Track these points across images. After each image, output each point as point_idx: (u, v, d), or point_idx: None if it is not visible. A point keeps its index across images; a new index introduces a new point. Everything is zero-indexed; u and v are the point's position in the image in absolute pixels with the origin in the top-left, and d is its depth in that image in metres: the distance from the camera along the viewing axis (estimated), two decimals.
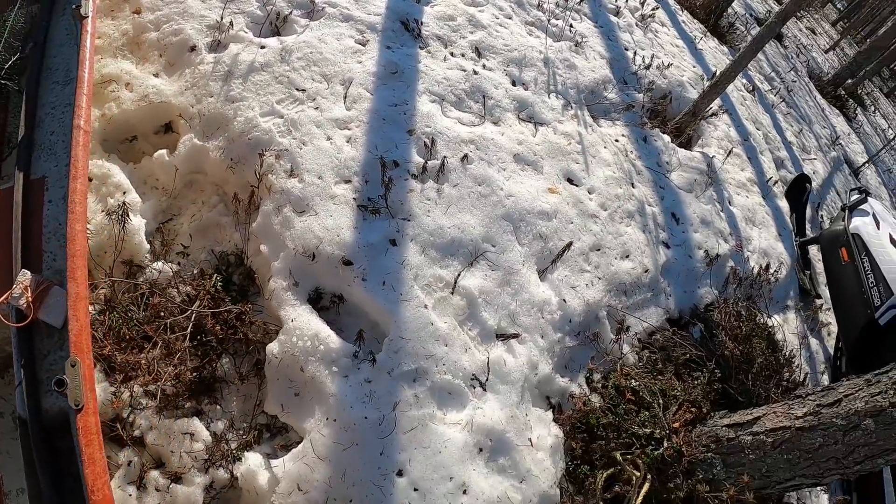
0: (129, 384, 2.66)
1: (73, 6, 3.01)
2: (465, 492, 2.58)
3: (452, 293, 3.03)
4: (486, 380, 2.92)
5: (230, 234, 3.22)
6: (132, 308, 2.87)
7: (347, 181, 3.16)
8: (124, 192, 3.11)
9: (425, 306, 2.91)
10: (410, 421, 2.63)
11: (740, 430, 3.07)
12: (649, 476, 2.97)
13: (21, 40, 3.43)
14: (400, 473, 2.51)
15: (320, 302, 2.96)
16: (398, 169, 3.24)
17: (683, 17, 7.97)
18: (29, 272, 2.34)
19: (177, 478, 2.56)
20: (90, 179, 3.09)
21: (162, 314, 2.89)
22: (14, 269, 2.41)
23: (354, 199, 3.09)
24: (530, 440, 2.90)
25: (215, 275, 3.03)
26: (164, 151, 3.37)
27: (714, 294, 4.36)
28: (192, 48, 3.74)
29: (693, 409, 3.31)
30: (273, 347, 2.76)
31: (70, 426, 2.11)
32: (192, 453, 2.57)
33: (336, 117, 3.41)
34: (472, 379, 2.88)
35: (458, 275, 3.08)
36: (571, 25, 5.40)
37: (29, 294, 2.27)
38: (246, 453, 2.63)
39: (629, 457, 3.02)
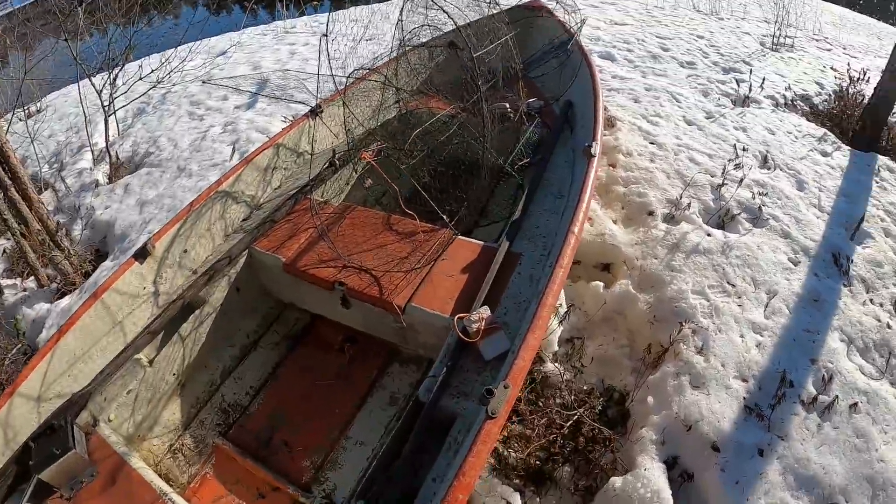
0: None
1: (586, 144, 3.77)
2: None
3: None
4: None
5: (624, 375, 3.88)
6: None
7: (744, 380, 3.70)
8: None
9: None
10: None
11: None
12: None
13: (531, 149, 4.54)
14: None
15: (671, 469, 3.39)
16: (791, 389, 3.68)
17: None
18: (489, 310, 2.97)
19: None
20: None
21: (541, 403, 3.69)
22: (476, 303, 3.13)
23: (745, 398, 3.62)
24: None
25: (601, 398, 3.79)
26: (600, 283, 4.29)
27: None
28: (650, 213, 4.71)
29: None
30: (616, 481, 3.24)
31: (451, 427, 2.67)
32: None
33: (753, 320, 3.99)
34: None
35: None
36: None
37: (482, 324, 2.90)
38: None
39: None
